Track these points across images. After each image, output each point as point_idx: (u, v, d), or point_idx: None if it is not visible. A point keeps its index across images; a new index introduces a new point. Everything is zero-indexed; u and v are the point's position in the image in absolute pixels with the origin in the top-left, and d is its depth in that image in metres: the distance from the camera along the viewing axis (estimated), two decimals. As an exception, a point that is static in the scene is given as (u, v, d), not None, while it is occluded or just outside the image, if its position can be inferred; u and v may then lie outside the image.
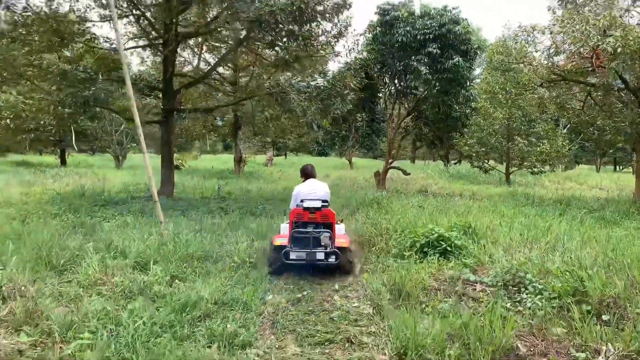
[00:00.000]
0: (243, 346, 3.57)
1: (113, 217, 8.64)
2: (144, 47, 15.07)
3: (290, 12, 9.98)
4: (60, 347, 3.30)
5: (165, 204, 9.59)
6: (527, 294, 4.36)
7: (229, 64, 20.18)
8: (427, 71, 14.96)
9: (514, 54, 13.57)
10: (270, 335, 3.87)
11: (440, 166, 31.76)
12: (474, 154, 21.96)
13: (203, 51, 18.62)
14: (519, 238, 6.43)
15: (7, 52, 10.32)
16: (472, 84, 18.74)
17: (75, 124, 17.96)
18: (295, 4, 9.87)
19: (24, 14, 10.11)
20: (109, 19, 11.72)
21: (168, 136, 12.51)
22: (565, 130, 23.27)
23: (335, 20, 11.88)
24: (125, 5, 11.60)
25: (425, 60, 15.03)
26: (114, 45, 11.39)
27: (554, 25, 11.53)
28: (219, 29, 12.99)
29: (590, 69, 12.00)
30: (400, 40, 15.18)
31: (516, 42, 13.27)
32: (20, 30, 10.19)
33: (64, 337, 3.46)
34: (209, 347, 3.49)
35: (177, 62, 14.59)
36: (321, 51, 12.45)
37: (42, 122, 12.35)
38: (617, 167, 48.74)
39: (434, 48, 14.81)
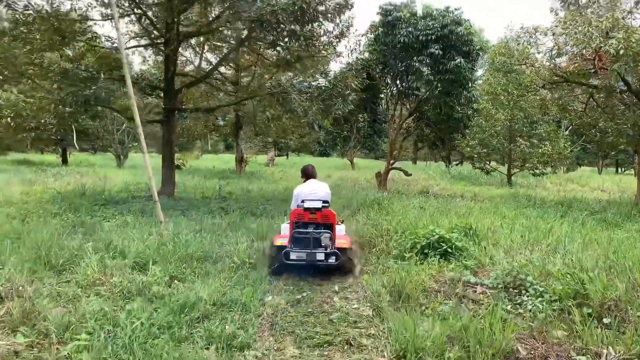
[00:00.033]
0: (241, 348, 3.55)
1: (113, 216, 8.64)
2: (145, 47, 15.07)
3: (292, 12, 9.95)
4: (57, 349, 3.29)
5: (165, 203, 9.58)
6: (527, 297, 4.35)
7: (231, 64, 20.25)
8: (429, 72, 14.96)
9: (516, 55, 13.54)
10: (269, 337, 3.85)
11: (441, 167, 31.78)
12: (476, 155, 21.92)
13: (205, 51, 18.58)
14: (520, 240, 6.42)
15: (8, 50, 10.32)
16: (474, 85, 18.73)
17: (76, 123, 18.02)
18: (297, 4, 9.84)
19: (25, 12, 10.08)
20: (110, 17, 11.72)
21: (169, 136, 12.50)
22: (567, 132, 23.20)
23: (337, 21, 11.87)
24: (126, 4, 11.60)
25: (427, 61, 15.02)
26: (115, 44, 11.39)
27: (557, 26, 11.51)
28: (220, 29, 12.99)
29: (593, 70, 11.96)
30: (402, 40, 15.14)
31: (518, 44, 13.25)
32: (21, 28, 10.17)
33: (60, 338, 3.45)
34: (207, 348, 3.48)
35: (178, 62, 14.61)
36: (323, 51, 12.43)
37: (43, 121, 12.33)
38: (619, 169, 48.67)
39: (436, 49, 14.78)
